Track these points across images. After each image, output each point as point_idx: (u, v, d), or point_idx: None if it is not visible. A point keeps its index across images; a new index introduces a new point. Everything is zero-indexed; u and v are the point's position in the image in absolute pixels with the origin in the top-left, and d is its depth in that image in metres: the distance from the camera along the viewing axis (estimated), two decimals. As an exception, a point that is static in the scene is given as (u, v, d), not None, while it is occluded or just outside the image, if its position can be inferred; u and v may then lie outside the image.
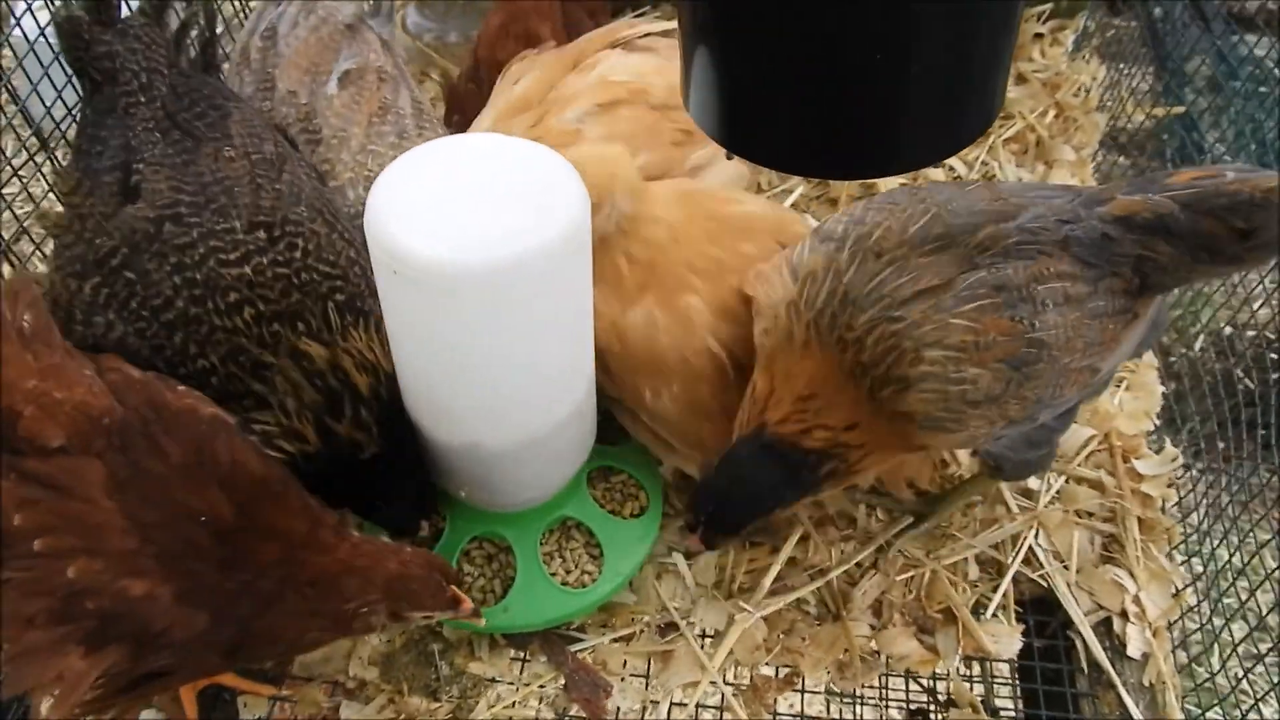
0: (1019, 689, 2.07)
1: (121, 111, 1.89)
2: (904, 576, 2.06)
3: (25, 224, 2.38)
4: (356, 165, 2.14)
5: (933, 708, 2.24)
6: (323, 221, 1.86)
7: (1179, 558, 2.13)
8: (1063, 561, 2.10)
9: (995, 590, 2.06)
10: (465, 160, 1.59)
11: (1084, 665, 2.00)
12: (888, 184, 2.45)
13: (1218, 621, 2.04)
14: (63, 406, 1.44)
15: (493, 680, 1.96)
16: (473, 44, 2.67)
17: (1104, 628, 2.03)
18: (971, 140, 1.25)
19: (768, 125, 1.21)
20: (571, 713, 1.93)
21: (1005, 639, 2.00)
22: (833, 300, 1.68)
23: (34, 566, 1.37)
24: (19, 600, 1.37)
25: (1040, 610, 2.09)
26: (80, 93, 2.02)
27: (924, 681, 2.12)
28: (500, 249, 1.42)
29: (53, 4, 2.20)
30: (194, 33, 2.09)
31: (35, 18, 2.36)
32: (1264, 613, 1.98)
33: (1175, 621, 2.04)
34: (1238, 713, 1.96)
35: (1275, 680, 1.95)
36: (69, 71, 2.02)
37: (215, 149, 1.88)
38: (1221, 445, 2.34)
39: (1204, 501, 2.21)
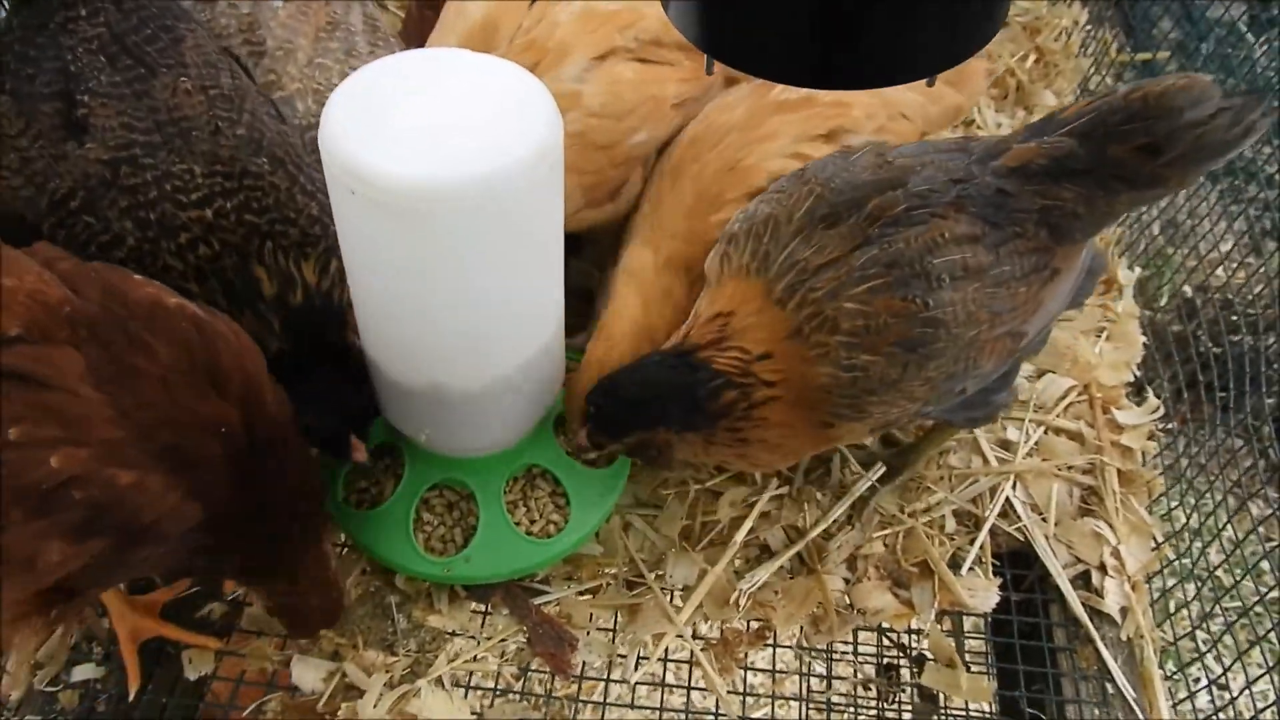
0: (994, 643, 2.03)
1: (57, 27, 1.72)
2: (881, 534, 1.99)
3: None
4: (304, 78, 2.01)
5: (903, 662, 2.21)
6: (284, 173, 1.76)
7: (1157, 511, 2.09)
8: (1041, 514, 2.05)
9: (972, 544, 2.00)
10: (428, 75, 1.47)
11: (1062, 619, 1.95)
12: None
13: (1171, 581, 2.03)
14: (15, 295, 1.31)
15: (452, 634, 1.87)
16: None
17: (1082, 581, 1.99)
18: (975, 51, 1.16)
19: (757, 27, 1.11)
20: (535, 667, 1.86)
21: (982, 593, 1.94)
22: (757, 257, 1.63)
23: (11, 459, 1.26)
24: None
25: (1018, 564, 2.04)
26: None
27: (894, 636, 2.08)
28: (469, 166, 1.31)
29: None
30: None
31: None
32: (1214, 569, 1.98)
33: (1154, 575, 2.00)
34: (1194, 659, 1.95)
35: (1219, 636, 1.93)
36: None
37: (171, 81, 1.74)
38: (1182, 408, 2.31)
39: (1162, 462, 2.19)
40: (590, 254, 2.32)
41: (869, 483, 2.04)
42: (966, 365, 1.62)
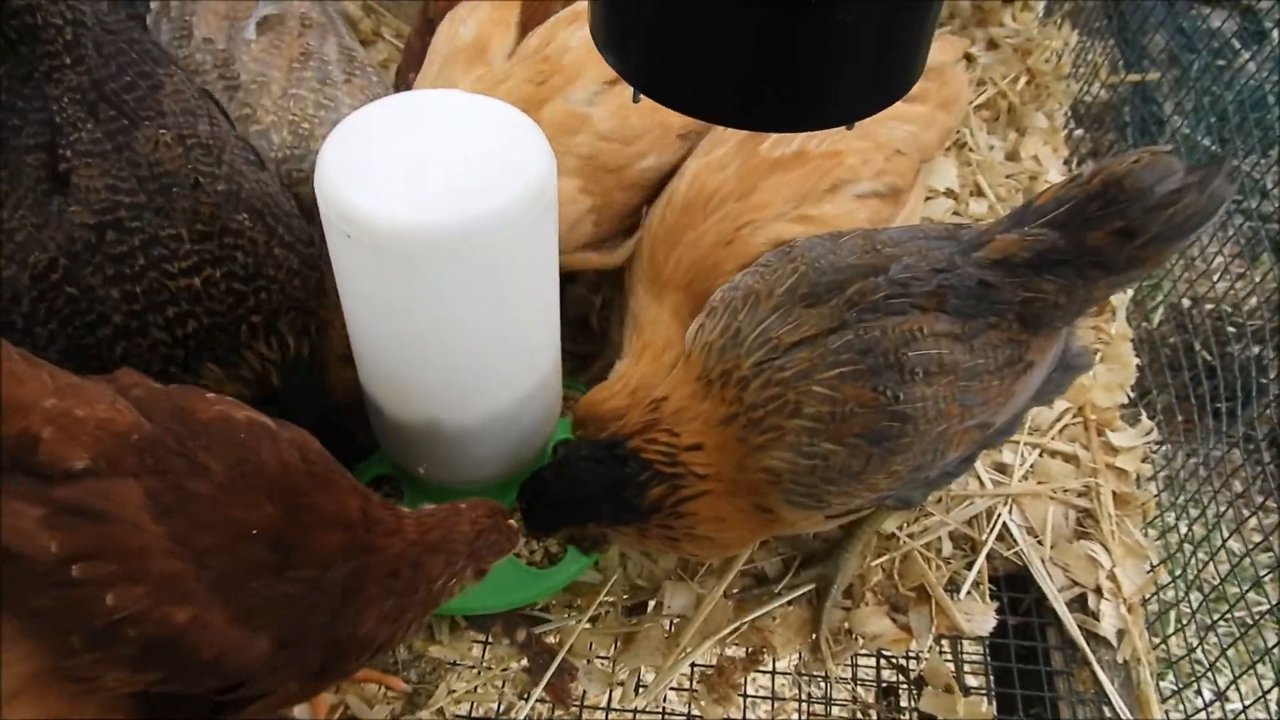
0: (992, 667, 2.04)
1: (42, 77, 1.71)
2: (879, 560, 2.00)
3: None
4: (279, 109, 2.04)
5: (903, 684, 2.21)
6: (263, 226, 1.76)
7: (1153, 533, 2.10)
8: (1037, 537, 2.07)
9: (969, 568, 2.01)
10: (421, 117, 1.49)
11: (1059, 642, 1.96)
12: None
13: (1172, 594, 2.03)
14: (85, 425, 1.28)
15: (453, 664, 1.89)
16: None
17: (1079, 604, 2.00)
18: (898, 98, 1.16)
19: (688, 66, 1.11)
20: (535, 696, 1.86)
21: (979, 617, 1.95)
22: (725, 335, 1.63)
23: (71, 595, 1.23)
24: (54, 629, 1.24)
25: (1014, 587, 2.05)
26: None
27: (893, 659, 2.08)
28: (463, 209, 1.33)
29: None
30: None
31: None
32: (1218, 583, 1.98)
33: (1150, 597, 2.01)
34: (1192, 680, 1.97)
35: (1224, 648, 1.93)
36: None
37: (152, 134, 1.73)
38: (1180, 418, 2.32)
39: (1163, 473, 2.19)
40: (585, 280, 2.34)
41: (802, 592, 1.97)
42: (934, 457, 1.60)
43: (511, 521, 1.59)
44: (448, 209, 1.33)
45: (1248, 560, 1.94)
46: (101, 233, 1.64)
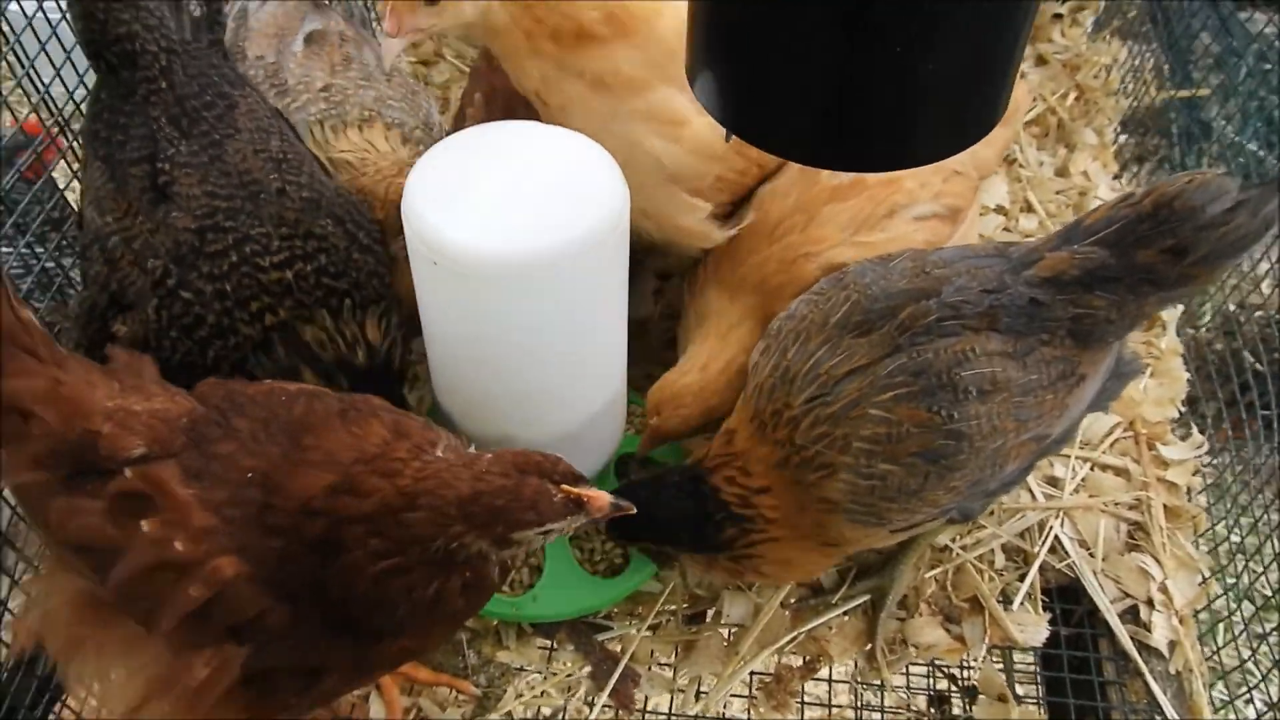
0: (1044, 677, 2.08)
1: (141, 98, 1.84)
2: (933, 572, 2.05)
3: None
4: (323, 102, 2.22)
5: (955, 694, 2.26)
6: (344, 232, 1.85)
7: (1204, 544, 2.13)
8: (1089, 549, 2.10)
9: (1022, 579, 2.05)
10: (500, 148, 1.57)
11: (1111, 653, 2.00)
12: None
13: (1223, 605, 2.04)
14: (139, 417, 1.41)
15: (520, 669, 1.96)
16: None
17: (1130, 615, 2.03)
18: (982, 136, 1.21)
19: (777, 111, 1.17)
20: (601, 701, 1.93)
21: (1032, 628, 1.99)
22: (775, 374, 1.68)
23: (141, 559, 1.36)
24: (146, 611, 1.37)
25: (1066, 598, 2.08)
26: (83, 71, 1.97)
27: (945, 668, 2.13)
28: (543, 240, 1.41)
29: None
30: None
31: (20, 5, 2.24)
32: (1272, 594, 1.98)
33: (1202, 609, 2.04)
34: (1243, 690, 1.97)
35: (1277, 659, 1.95)
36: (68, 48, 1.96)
37: (240, 146, 1.84)
38: (1228, 426, 2.34)
39: (1212, 483, 2.21)
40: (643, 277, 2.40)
41: (857, 604, 2.02)
42: (993, 471, 1.65)
43: (569, 489, 1.38)
44: (529, 239, 1.41)
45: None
46: (202, 235, 1.74)
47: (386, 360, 1.84)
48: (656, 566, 1.94)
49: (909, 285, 1.67)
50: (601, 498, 1.39)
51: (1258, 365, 2.37)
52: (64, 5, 1.86)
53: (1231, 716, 1.97)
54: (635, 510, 1.46)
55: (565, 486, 1.37)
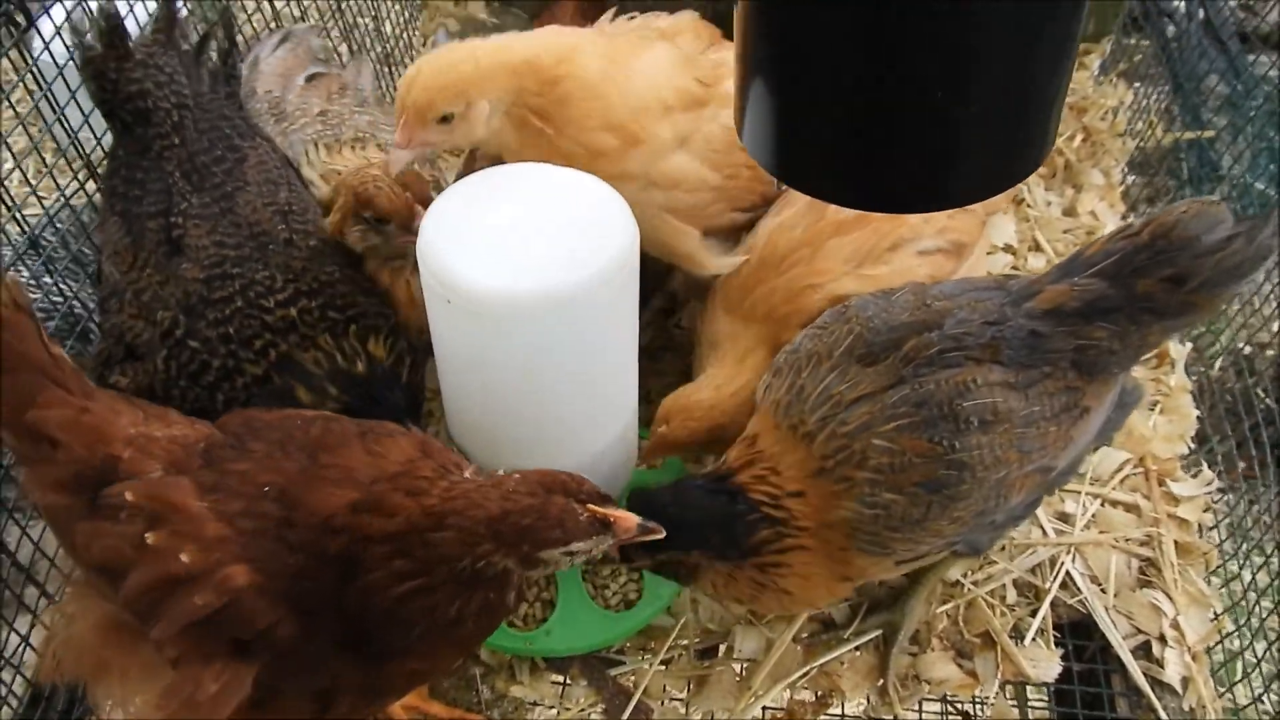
0: (1058, 713, 2.07)
1: (156, 154, 1.89)
2: (945, 607, 2.06)
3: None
4: (319, 124, 2.30)
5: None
6: (346, 276, 1.90)
7: (1216, 581, 2.13)
8: (1100, 585, 2.10)
9: (1034, 615, 2.06)
10: (513, 189, 1.62)
11: (1124, 689, 2.00)
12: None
13: (1237, 643, 2.04)
14: (159, 442, 1.48)
15: (534, 704, 1.97)
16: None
17: (1143, 651, 2.03)
18: (1025, 176, 1.25)
19: (823, 157, 1.21)
20: (615, 736, 1.94)
21: (1044, 663, 2.00)
22: (790, 392, 1.70)
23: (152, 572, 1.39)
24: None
25: (1078, 634, 2.08)
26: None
27: (959, 704, 2.12)
28: (556, 277, 1.45)
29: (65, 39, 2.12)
30: (213, 44, 2.09)
31: (51, 54, 2.27)
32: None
33: (1214, 646, 2.04)
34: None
35: None
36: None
37: (250, 198, 1.90)
38: (1242, 465, 2.34)
39: (1225, 521, 2.22)
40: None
41: (869, 638, 2.02)
42: (997, 502, 1.66)
43: (595, 509, 1.40)
44: (542, 277, 1.45)
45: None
46: (209, 284, 1.79)
47: (393, 374, 1.85)
48: (674, 587, 1.95)
49: (911, 318, 1.70)
50: (629, 518, 1.40)
51: (1269, 401, 2.38)
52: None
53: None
54: (663, 533, 1.47)
55: (591, 506, 1.38)
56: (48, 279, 2.22)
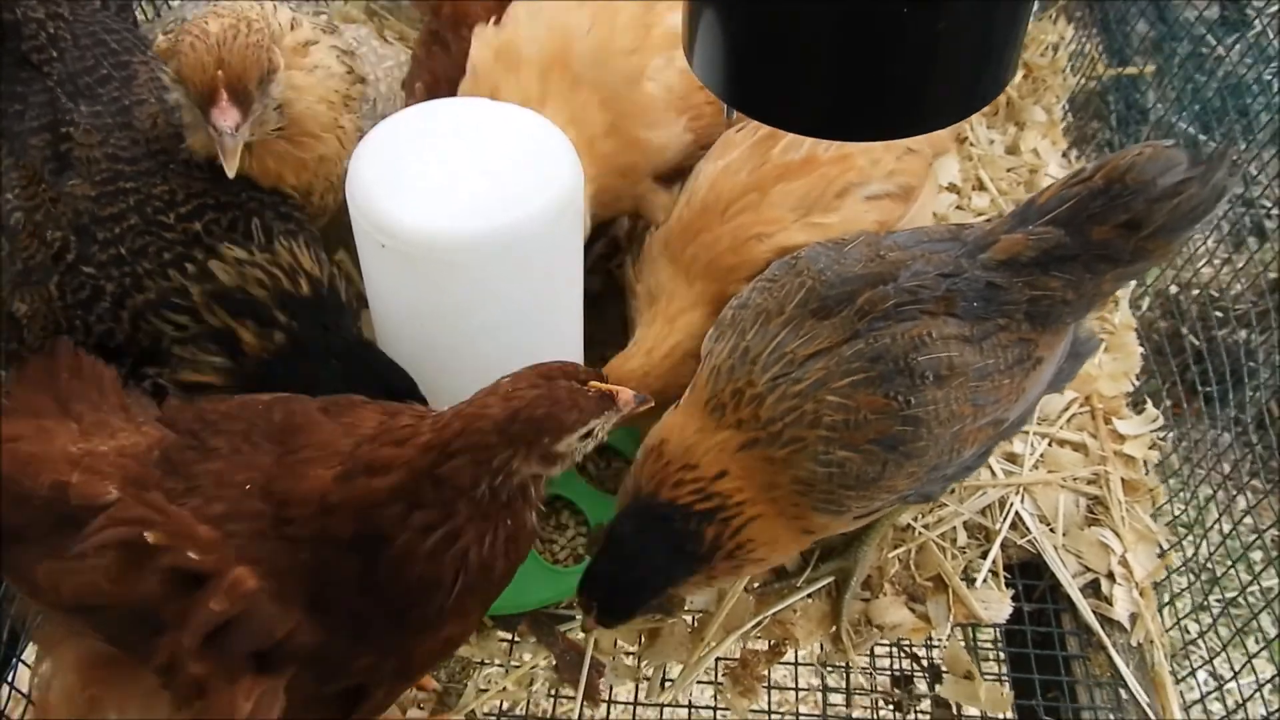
0: (1008, 653, 2.08)
1: (34, 68, 1.76)
2: (896, 552, 2.04)
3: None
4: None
5: (919, 673, 2.25)
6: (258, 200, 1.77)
7: (1163, 519, 2.14)
8: (1049, 525, 2.10)
9: (984, 557, 2.05)
10: (449, 126, 1.52)
11: (1074, 627, 2.00)
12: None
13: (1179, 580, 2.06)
14: (107, 458, 1.34)
15: (481, 663, 1.92)
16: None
17: (1092, 589, 2.04)
18: (990, 100, 1.20)
19: (779, 81, 1.14)
20: (563, 693, 1.90)
21: (995, 605, 1.99)
22: (734, 355, 1.62)
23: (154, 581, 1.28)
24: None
25: (1028, 574, 2.09)
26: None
27: (908, 648, 2.12)
28: (496, 219, 1.37)
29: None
30: None
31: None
32: (1205, 562, 2.02)
33: (1160, 583, 2.05)
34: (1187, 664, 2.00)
35: (1208, 628, 1.97)
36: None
37: (151, 111, 1.76)
38: (1169, 402, 2.36)
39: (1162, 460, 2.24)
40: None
41: (821, 585, 2.00)
42: (950, 456, 1.62)
43: (597, 385, 1.34)
44: (481, 218, 1.37)
45: (1236, 542, 1.99)
46: (99, 202, 1.66)
47: (332, 292, 1.71)
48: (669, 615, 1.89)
49: (864, 270, 1.65)
50: (625, 391, 1.35)
51: (1196, 342, 2.38)
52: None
53: (1194, 686, 1.99)
54: (654, 402, 1.42)
55: (594, 383, 1.33)
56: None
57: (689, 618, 1.96)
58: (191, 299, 1.64)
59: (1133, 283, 2.51)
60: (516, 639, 1.94)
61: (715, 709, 1.92)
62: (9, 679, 1.80)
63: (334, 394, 1.46)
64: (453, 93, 2.22)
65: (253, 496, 1.30)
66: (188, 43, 1.57)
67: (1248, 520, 2.01)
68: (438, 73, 2.26)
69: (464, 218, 1.36)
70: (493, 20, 2.05)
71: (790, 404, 1.56)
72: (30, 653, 1.81)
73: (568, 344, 1.71)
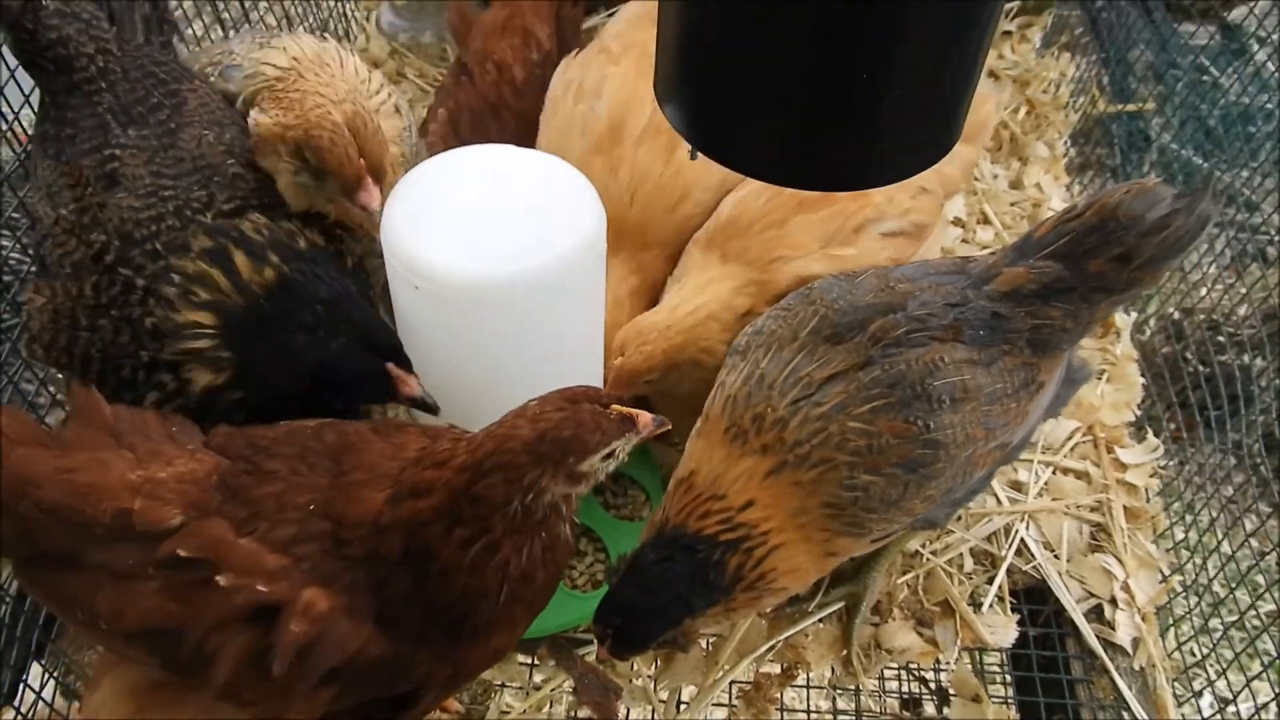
0: (1014, 677, 2.13)
1: (85, 95, 1.84)
2: (904, 578, 2.09)
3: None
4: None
5: (926, 696, 2.30)
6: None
7: (1165, 544, 2.19)
8: (1053, 551, 2.16)
9: (990, 582, 2.11)
10: (478, 172, 1.59)
11: (1078, 652, 2.05)
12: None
13: (1185, 604, 2.11)
14: (167, 485, 1.39)
15: (502, 685, 1.97)
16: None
17: (1095, 614, 2.09)
18: (935, 161, 1.26)
19: (743, 128, 1.20)
20: (582, 716, 1.95)
21: (1001, 629, 2.05)
22: (749, 382, 1.66)
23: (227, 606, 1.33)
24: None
25: (1034, 599, 2.14)
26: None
27: (916, 671, 2.17)
28: (525, 261, 1.43)
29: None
30: None
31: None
32: (1209, 584, 2.06)
33: (1163, 607, 2.10)
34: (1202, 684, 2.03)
35: (1212, 649, 2.02)
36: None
37: (196, 134, 1.85)
38: (1172, 426, 2.41)
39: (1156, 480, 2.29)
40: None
41: (832, 610, 2.05)
42: (964, 479, 1.69)
43: (618, 408, 1.40)
44: (511, 261, 1.43)
45: (1236, 566, 2.04)
46: (140, 210, 1.73)
47: (331, 254, 1.78)
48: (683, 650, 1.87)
49: (875, 299, 1.71)
50: (644, 415, 1.42)
51: (1200, 367, 2.44)
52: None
53: (1196, 709, 2.03)
54: (670, 425, 1.47)
55: (615, 407, 1.39)
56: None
57: (703, 642, 2.02)
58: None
59: (1133, 315, 2.58)
60: (536, 662, 2.00)
61: (730, 730, 1.98)
62: (16, 704, 1.86)
63: (314, 341, 1.55)
64: (472, 121, 2.32)
65: (317, 517, 1.37)
66: (326, 138, 1.70)
67: (1252, 543, 2.06)
68: (461, 101, 2.35)
69: (494, 261, 1.43)
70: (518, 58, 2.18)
71: (815, 426, 1.60)
72: (36, 677, 1.89)
73: (591, 374, 1.78)
